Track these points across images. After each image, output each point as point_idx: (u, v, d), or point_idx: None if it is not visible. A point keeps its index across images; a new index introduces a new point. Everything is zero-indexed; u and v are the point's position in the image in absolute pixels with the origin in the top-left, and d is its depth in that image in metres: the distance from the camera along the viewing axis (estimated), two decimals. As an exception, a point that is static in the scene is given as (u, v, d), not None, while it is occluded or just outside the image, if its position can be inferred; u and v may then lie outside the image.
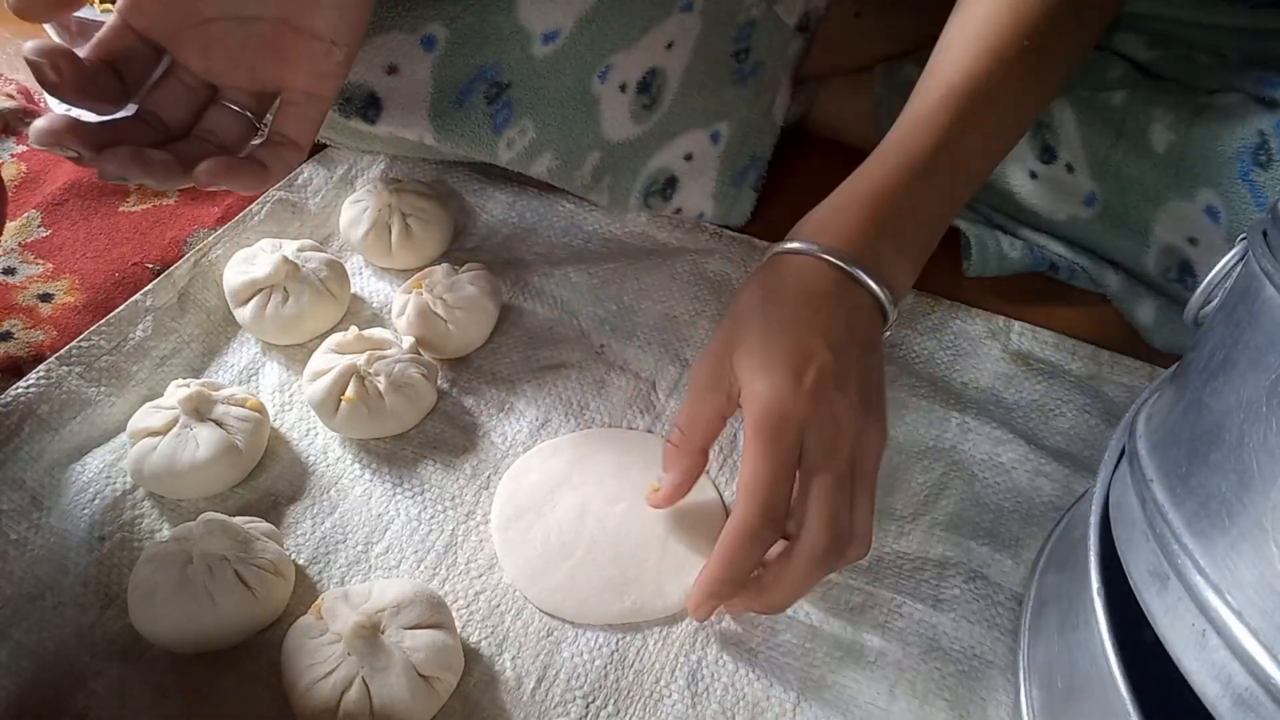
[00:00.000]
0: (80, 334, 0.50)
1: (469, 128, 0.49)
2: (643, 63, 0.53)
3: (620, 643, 0.42)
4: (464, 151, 0.51)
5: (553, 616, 0.42)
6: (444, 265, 0.52)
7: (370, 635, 0.37)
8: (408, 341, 0.48)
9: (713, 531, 0.45)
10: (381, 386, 0.46)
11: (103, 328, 0.50)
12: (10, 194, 0.60)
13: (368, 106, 0.47)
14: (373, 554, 0.44)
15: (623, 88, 0.53)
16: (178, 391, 0.45)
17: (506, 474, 0.47)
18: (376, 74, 0.46)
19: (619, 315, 0.56)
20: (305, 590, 0.42)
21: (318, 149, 0.63)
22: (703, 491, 0.47)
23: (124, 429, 0.46)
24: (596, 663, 0.41)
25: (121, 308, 0.51)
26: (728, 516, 0.46)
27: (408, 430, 0.48)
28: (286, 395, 0.50)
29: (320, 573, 0.43)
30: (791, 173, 0.64)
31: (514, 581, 0.43)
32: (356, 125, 0.47)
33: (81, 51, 0.36)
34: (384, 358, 0.47)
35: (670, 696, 0.40)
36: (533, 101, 0.51)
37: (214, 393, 0.46)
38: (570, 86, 0.52)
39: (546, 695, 0.40)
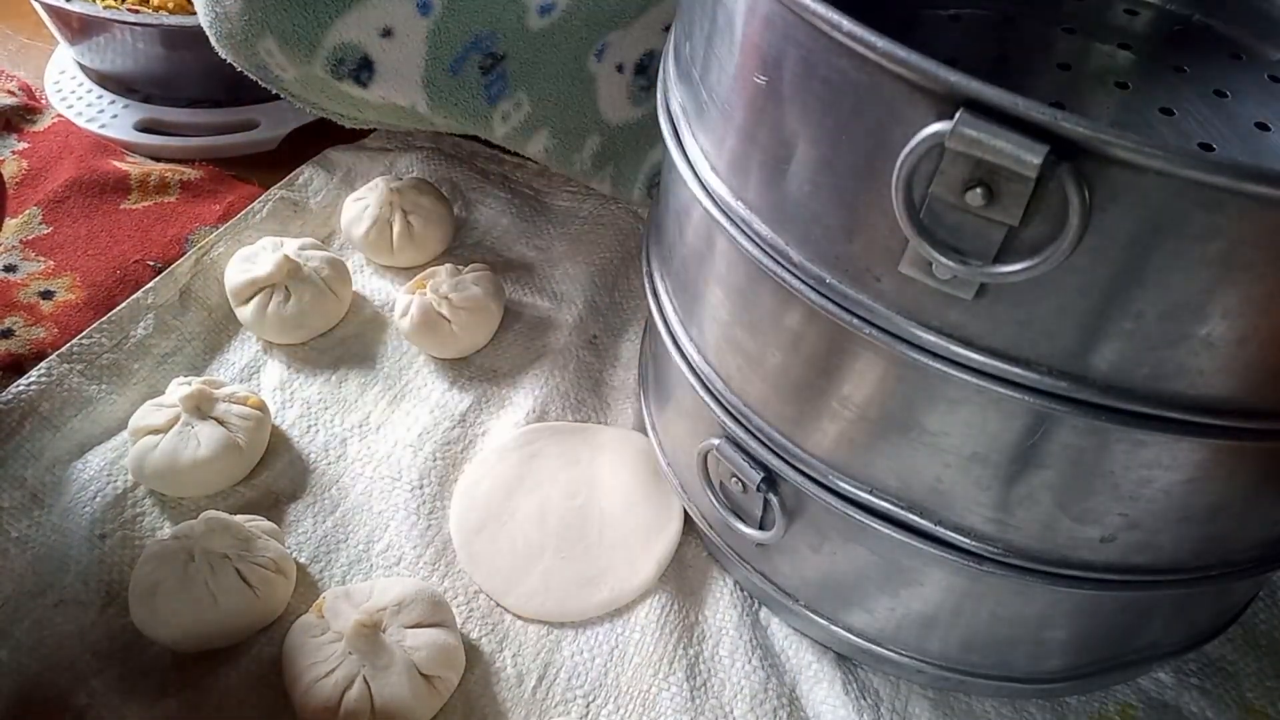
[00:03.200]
0: (81, 331, 0.50)
1: (463, 96, 0.49)
2: (640, 44, 0.53)
3: (620, 639, 0.42)
4: (457, 122, 0.51)
5: (536, 621, 0.42)
6: (448, 265, 0.52)
7: (371, 634, 0.37)
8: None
9: (667, 492, 0.46)
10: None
11: (104, 325, 0.50)
12: (11, 191, 0.59)
13: (361, 69, 0.47)
14: (374, 552, 0.44)
15: (620, 68, 0.54)
16: (179, 389, 0.45)
17: (456, 490, 0.47)
18: (371, 36, 0.46)
19: (611, 308, 0.56)
20: (306, 589, 0.42)
21: (317, 149, 0.63)
22: (649, 456, 0.47)
23: (125, 427, 0.46)
24: (597, 660, 0.41)
25: (123, 305, 0.51)
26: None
27: (413, 435, 0.48)
28: (288, 393, 0.50)
29: (321, 571, 0.43)
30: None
31: (490, 594, 0.43)
32: (349, 89, 0.47)
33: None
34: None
35: (669, 689, 0.40)
36: (528, 75, 0.51)
37: (215, 391, 0.46)
38: (566, 62, 0.52)
39: (548, 694, 0.40)
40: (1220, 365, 0.26)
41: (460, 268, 0.52)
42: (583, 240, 0.59)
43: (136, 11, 0.62)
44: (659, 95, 0.38)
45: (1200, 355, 0.26)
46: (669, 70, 0.37)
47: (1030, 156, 0.23)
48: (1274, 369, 0.26)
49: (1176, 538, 0.32)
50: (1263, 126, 0.41)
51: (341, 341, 0.53)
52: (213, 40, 0.47)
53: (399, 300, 0.52)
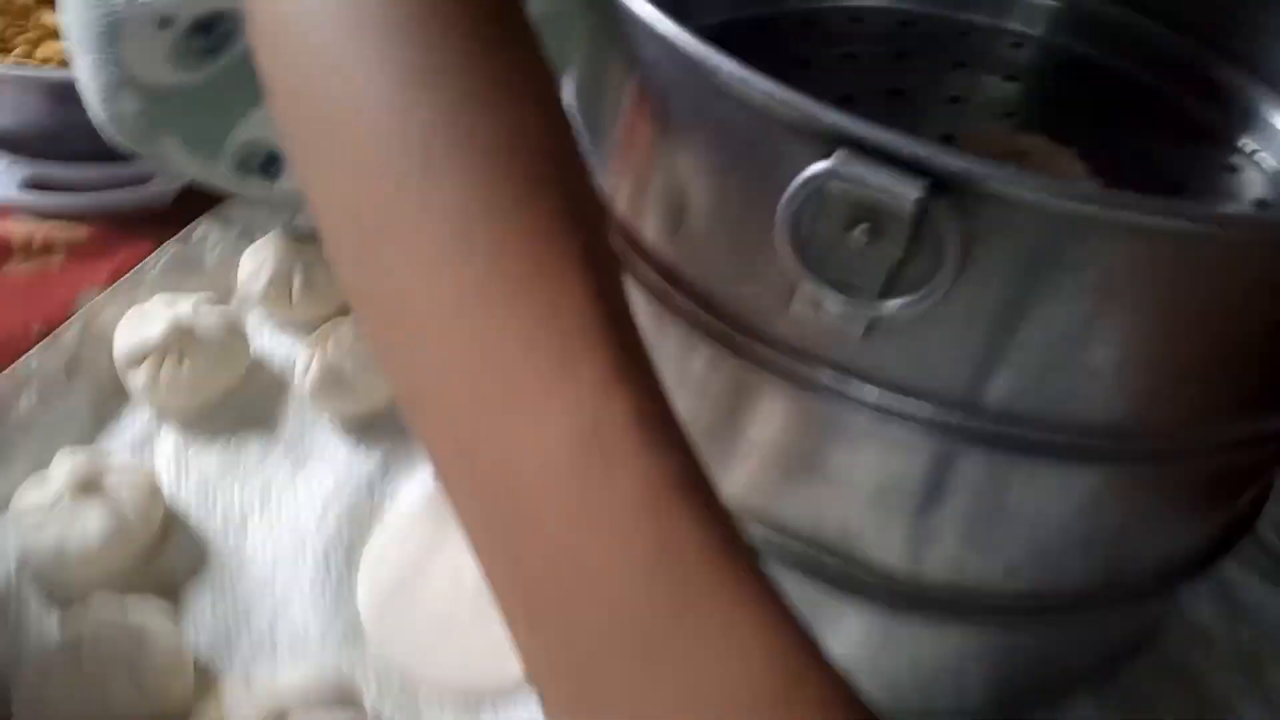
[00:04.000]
0: (-44, 406, 0.47)
1: None
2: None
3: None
4: None
5: (454, 693, 0.40)
6: (350, 319, 0.51)
7: (275, 724, 0.35)
8: None
9: None
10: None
11: (-18, 398, 0.47)
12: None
13: (268, 164, 0.47)
14: (277, 632, 0.41)
15: None
16: (65, 463, 0.43)
17: (363, 559, 0.44)
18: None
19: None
20: (207, 681, 0.40)
21: (214, 202, 0.61)
22: None
23: (5, 506, 0.43)
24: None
25: (2, 376, 0.48)
26: None
27: (317, 502, 0.46)
28: (183, 464, 0.48)
29: (222, 659, 0.41)
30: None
31: (403, 668, 0.41)
32: (255, 183, 0.47)
33: None
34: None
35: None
36: None
37: (105, 464, 0.43)
38: None
39: (466, 766, 0.38)
40: (1106, 391, 0.26)
41: (363, 321, 0.51)
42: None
43: (21, 65, 0.60)
44: None
45: (1086, 382, 0.26)
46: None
47: (908, 193, 0.23)
48: (1156, 393, 0.27)
49: (1080, 563, 0.32)
50: (1144, 158, 0.42)
51: (240, 406, 0.50)
52: (109, 132, 0.46)
53: (300, 358, 0.50)
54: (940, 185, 0.23)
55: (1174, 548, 0.34)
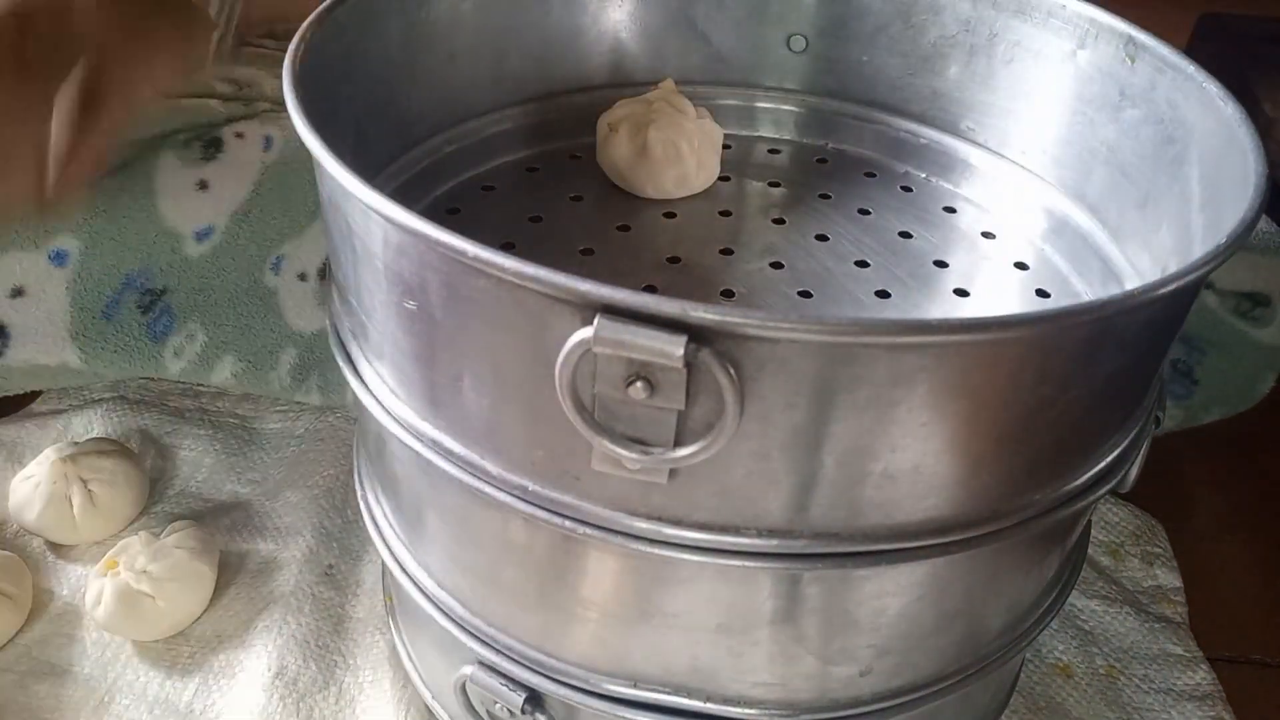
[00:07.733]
0: None
1: (123, 342, 0.47)
2: (319, 250, 0.52)
3: None
4: (122, 368, 0.48)
5: None
6: (141, 534, 0.46)
7: None
8: None
9: None
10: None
11: None
12: None
13: None
14: None
15: (302, 276, 0.51)
16: None
17: None
18: None
19: (345, 530, 0.52)
20: None
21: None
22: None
23: None
24: None
25: None
26: None
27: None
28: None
29: None
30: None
31: None
32: None
33: None
34: None
35: None
36: (197, 304, 0.49)
37: None
38: (239, 281, 0.50)
39: None
40: (905, 493, 0.27)
41: (156, 532, 0.47)
42: (302, 462, 0.55)
43: None
44: (328, 318, 0.36)
45: (885, 488, 0.27)
46: (333, 292, 0.36)
47: (672, 348, 0.23)
48: (958, 485, 0.27)
49: (927, 651, 0.32)
50: (905, 235, 0.45)
51: (27, 652, 0.45)
52: None
53: (90, 586, 0.45)
54: (701, 336, 0.23)
55: (1019, 607, 0.35)
